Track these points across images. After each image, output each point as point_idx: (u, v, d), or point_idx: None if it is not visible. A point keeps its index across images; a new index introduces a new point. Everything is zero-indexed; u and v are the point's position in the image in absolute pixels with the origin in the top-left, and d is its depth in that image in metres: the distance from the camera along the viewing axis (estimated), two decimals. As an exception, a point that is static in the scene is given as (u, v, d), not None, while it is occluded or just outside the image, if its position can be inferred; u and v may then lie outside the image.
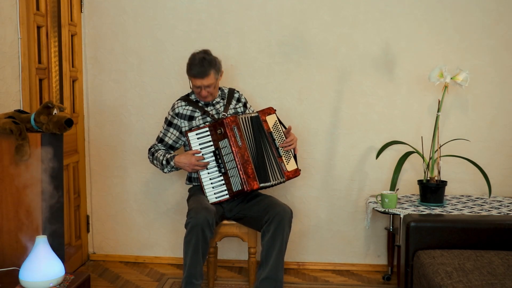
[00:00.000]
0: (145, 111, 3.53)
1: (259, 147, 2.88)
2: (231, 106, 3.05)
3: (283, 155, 2.91)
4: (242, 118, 2.87)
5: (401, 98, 3.42)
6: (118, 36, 3.49)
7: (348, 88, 3.44)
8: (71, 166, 3.37)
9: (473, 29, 3.35)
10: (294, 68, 3.44)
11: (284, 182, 2.91)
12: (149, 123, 3.53)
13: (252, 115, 2.91)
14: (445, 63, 3.07)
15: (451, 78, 3.01)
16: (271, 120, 2.94)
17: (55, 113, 2.31)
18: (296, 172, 2.94)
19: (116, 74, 3.53)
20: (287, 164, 2.91)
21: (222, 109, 3.01)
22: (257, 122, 2.90)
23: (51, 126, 2.29)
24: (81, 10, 3.47)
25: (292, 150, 2.97)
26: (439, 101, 3.08)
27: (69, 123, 2.31)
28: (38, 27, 2.95)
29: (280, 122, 3.00)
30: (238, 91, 3.14)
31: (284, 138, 2.96)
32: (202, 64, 2.82)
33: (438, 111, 3.08)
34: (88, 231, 3.65)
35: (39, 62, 2.97)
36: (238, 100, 3.11)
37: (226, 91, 3.10)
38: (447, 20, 3.36)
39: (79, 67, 3.48)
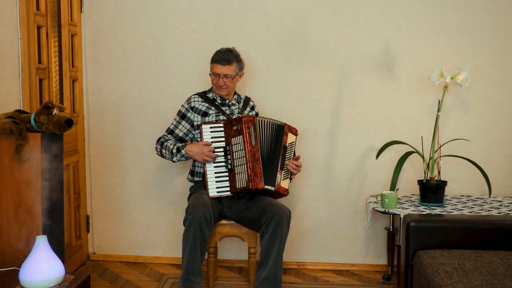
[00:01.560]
0: (145, 111, 3.53)
1: (273, 153, 2.91)
2: (245, 112, 3.11)
3: (283, 171, 2.95)
4: (259, 120, 2.91)
5: (401, 98, 3.42)
6: (118, 36, 3.49)
7: (348, 88, 3.44)
8: (71, 166, 3.37)
9: (473, 29, 3.35)
10: (294, 68, 3.44)
11: (271, 192, 2.92)
12: (149, 123, 3.53)
13: (279, 123, 2.98)
14: (445, 63, 3.07)
15: (451, 78, 3.01)
16: (290, 138, 3.01)
17: (55, 113, 2.31)
18: (285, 191, 2.97)
19: (116, 74, 3.53)
20: (283, 180, 2.95)
21: (237, 111, 3.07)
22: (281, 131, 2.96)
23: (51, 126, 2.29)
24: (81, 10, 3.47)
25: (290, 174, 3.02)
26: (439, 101, 3.08)
27: (69, 123, 2.31)
28: (38, 27, 2.95)
29: (294, 146, 3.06)
30: (252, 101, 3.22)
31: (292, 158, 3.01)
32: (227, 53, 2.98)
33: (438, 111, 3.08)
34: (88, 231, 3.65)
35: (39, 62, 2.97)
36: (252, 108, 3.19)
37: (243, 97, 3.19)
38: (447, 20, 3.36)
39: (79, 67, 3.48)
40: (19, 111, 2.39)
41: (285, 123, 2.99)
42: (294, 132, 3.05)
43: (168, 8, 3.45)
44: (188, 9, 3.44)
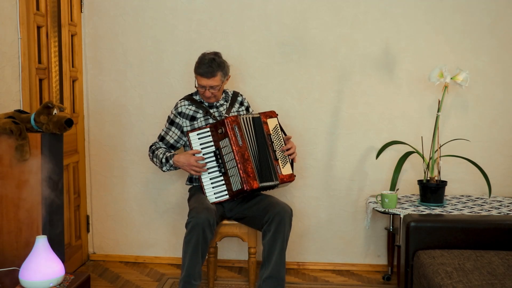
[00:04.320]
0: (145, 111, 3.53)
1: (260, 147, 2.87)
2: (234, 109, 3.06)
3: (279, 159, 2.90)
4: (243, 118, 2.87)
5: (401, 98, 3.42)
6: (118, 36, 3.49)
7: (348, 88, 3.44)
8: (71, 166, 3.37)
9: (473, 29, 3.35)
10: (294, 68, 3.44)
11: (277, 185, 2.89)
12: (149, 123, 3.53)
13: (254, 116, 2.91)
14: (445, 63, 3.07)
15: (451, 78, 3.01)
16: (271, 123, 2.94)
17: (55, 113, 2.31)
18: (291, 177, 2.91)
19: (116, 74, 3.53)
20: (283, 168, 2.90)
21: (224, 112, 3.02)
22: (258, 123, 2.89)
23: (51, 126, 2.29)
24: (81, 10, 3.47)
25: (288, 157, 2.95)
26: (439, 101, 3.08)
27: (69, 123, 2.31)
28: (38, 27, 2.95)
29: (281, 128, 2.99)
30: (241, 95, 3.16)
31: (283, 143, 2.95)
32: (210, 64, 2.86)
33: (438, 111, 3.09)
34: (88, 231, 3.65)
35: (39, 62, 2.97)
36: (241, 104, 3.12)
37: (230, 94, 3.12)
38: (447, 20, 3.36)
39: (79, 67, 3.48)
40: (19, 111, 2.39)
41: (259, 113, 2.93)
42: (273, 115, 2.96)
43: (168, 8, 3.45)
44: (188, 9, 3.44)
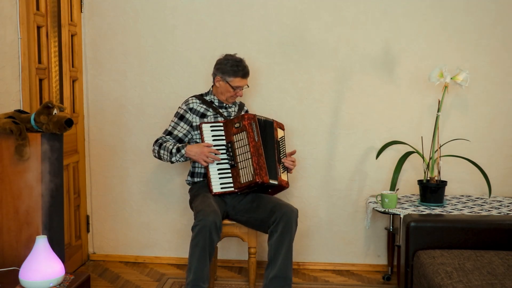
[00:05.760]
0: (145, 111, 3.53)
1: (269, 148, 2.93)
2: None
3: (281, 165, 2.99)
4: (259, 118, 2.95)
5: (401, 98, 3.42)
6: (118, 36, 3.49)
7: (348, 88, 3.44)
8: (71, 166, 3.37)
9: (473, 29, 3.35)
10: (294, 68, 3.44)
11: (274, 186, 2.93)
12: (149, 123, 3.53)
13: (268, 119, 3.01)
14: (445, 63, 3.07)
15: (451, 78, 3.01)
16: (280, 133, 3.06)
17: (55, 113, 2.31)
18: (287, 184, 3.00)
19: (116, 74, 3.53)
20: (282, 173, 2.99)
21: (233, 114, 3.10)
22: (271, 127, 2.99)
23: (51, 126, 2.29)
24: (81, 10, 3.47)
25: (288, 165, 3.05)
26: (439, 101, 3.08)
27: (69, 123, 2.31)
28: (38, 27, 2.95)
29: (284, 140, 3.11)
30: (246, 107, 3.27)
31: (285, 152, 3.06)
32: (245, 64, 3.02)
33: (438, 111, 3.09)
34: (88, 231, 3.65)
35: (39, 62, 2.97)
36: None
37: (237, 102, 3.20)
38: (447, 20, 3.36)
39: (79, 67, 3.48)
40: (19, 111, 2.39)
41: (272, 119, 3.03)
42: (282, 127, 3.10)
43: (168, 8, 3.45)
44: (188, 9, 3.44)
